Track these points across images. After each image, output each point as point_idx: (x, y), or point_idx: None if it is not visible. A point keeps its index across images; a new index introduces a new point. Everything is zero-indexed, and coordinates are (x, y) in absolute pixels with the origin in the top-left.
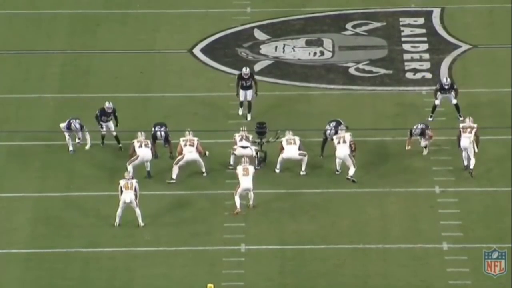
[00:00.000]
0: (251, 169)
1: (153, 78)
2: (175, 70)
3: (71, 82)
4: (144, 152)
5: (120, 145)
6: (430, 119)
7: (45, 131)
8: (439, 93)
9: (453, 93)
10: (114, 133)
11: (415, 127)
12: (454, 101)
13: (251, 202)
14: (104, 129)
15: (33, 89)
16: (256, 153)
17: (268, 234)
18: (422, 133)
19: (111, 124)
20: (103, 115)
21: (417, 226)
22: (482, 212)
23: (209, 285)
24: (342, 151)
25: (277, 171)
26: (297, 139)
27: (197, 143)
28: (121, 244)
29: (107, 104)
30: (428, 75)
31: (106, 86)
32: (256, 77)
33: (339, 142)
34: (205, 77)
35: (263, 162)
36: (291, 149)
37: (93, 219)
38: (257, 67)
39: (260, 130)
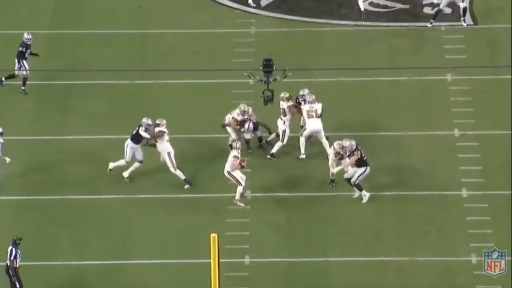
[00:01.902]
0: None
1: (152, 13)
2: (175, 4)
3: (64, 17)
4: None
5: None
6: (429, 25)
7: (39, 69)
8: None
9: None
10: (29, 73)
11: None
12: (463, 4)
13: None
14: (27, 67)
15: (24, 25)
16: (263, 93)
17: (273, 182)
18: None
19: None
20: (27, 48)
21: (435, 172)
22: (504, 157)
23: (212, 234)
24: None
25: (303, 156)
26: (319, 108)
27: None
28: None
29: (26, 36)
30: (448, 10)
31: (101, 22)
32: (262, 12)
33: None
34: (207, 12)
35: (270, 101)
36: (313, 122)
37: (88, 164)
38: (264, 2)
39: (267, 68)
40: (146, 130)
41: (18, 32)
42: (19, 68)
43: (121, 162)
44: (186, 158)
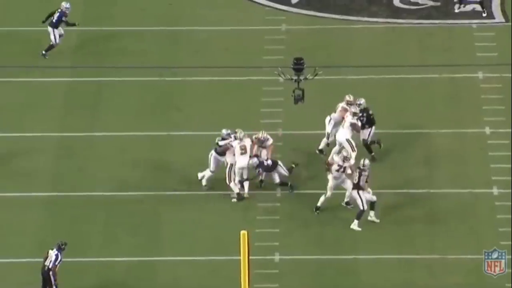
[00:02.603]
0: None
1: (182, 10)
2: (205, 1)
3: (95, 13)
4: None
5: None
6: (456, 10)
7: (68, 66)
8: None
9: None
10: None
11: None
12: None
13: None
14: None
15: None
16: (293, 92)
17: (302, 179)
18: None
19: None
20: (65, 17)
21: (465, 170)
22: None
23: (242, 231)
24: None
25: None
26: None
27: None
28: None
29: (65, 5)
30: (479, 8)
31: (132, 18)
32: (293, 9)
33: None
34: (238, 9)
35: (300, 100)
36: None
37: (118, 161)
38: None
39: (298, 67)
40: (222, 139)
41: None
42: (55, 38)
43: (207, 172)
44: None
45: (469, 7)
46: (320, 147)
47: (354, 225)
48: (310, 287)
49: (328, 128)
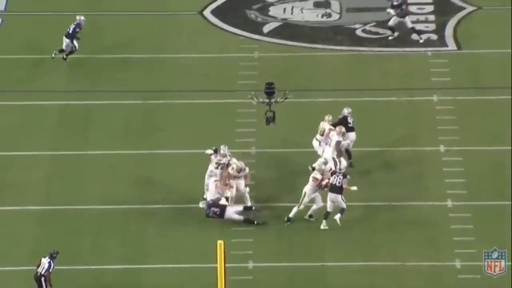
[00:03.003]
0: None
1: (166, 39)
2: (187, 31)
3: (86, 42)
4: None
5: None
6: (421, 41)
7: (59, 91)
8: (390, 10)
9: (407, 18)
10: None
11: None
12: (410, 25)
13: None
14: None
15: (48, 49)
16: (265, 113)
17: (275, 192)
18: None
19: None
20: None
21: (422, 185)
22: (486, 170)
23: (219, 241)
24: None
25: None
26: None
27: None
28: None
29: (81, 17)
30: (434, 37)
31: (120, 46)
32: (265, 38)
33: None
34: (215, 39)
35: (272, 121)
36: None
37: (107, 177)
38: (266, 29)
39: (269, 91)
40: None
41: (43, 57)
42: (73, 46)
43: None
44: (196, 172)
45: (424, 36)
46: (314, 165)
47: (337, 218)
48: None
49: (320, 151)
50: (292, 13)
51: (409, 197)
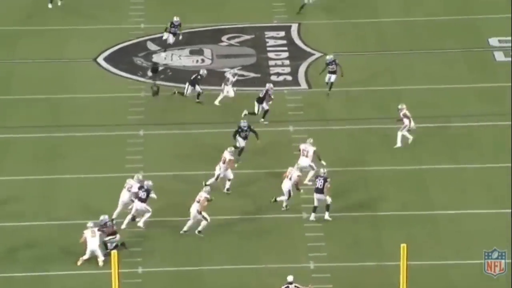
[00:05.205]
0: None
1: (64, 82)
2: (83, 75)
3: None
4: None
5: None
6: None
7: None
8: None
9: (264, 103)
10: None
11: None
12: (266, 107)
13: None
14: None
15: None
16: (151, 87)
17: (161, 207)
18: None
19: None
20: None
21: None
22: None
23: (113, 251)
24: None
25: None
26: (311, 150)
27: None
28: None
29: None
30: (289, 78)
31: (27, 89)
32: (149, 80)
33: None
34: (108, 81)
35: (156, 94)
36: (303, 159)
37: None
38: (150, 73)
39: (154, 67)
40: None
41: None
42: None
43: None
44: (94, 193)
45: (281, 78)
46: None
47: (327, 216)
48: None
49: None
50: (171, 60)
51: (276, 210)
